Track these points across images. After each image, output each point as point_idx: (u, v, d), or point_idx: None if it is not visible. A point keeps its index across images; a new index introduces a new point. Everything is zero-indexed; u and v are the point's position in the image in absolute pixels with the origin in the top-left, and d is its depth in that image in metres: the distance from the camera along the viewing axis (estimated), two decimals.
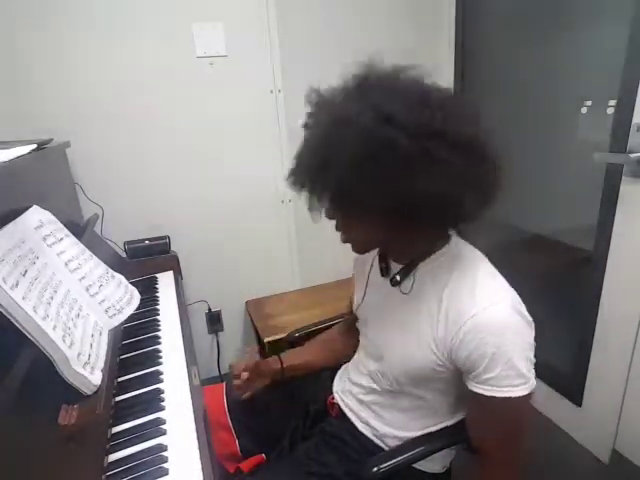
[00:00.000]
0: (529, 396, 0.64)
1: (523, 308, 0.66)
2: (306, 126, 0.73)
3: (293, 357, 0.99)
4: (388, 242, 0.74)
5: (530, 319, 0.66)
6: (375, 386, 0.82)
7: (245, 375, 0.89)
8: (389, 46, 1.75)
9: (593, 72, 1.33)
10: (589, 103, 1.33)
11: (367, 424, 0.84)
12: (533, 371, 0.65)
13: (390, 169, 0.57)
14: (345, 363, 0.97)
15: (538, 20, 1.49)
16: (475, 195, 0.61)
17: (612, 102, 1.21)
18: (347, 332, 1.00)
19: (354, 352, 0.93)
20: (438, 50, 1.84)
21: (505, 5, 1.63)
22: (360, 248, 0.74)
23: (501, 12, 1.65)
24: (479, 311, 0.63)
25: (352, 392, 0.88)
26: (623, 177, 1.17)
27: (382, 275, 0.80)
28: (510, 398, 0.63)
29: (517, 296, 0.67)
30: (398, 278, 0.74)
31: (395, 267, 0.76)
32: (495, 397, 0.64)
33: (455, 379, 0.72)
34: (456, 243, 0.73)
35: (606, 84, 1.24)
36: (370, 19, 1.73)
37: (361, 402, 0.86)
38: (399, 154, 0.56)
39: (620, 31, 1.14)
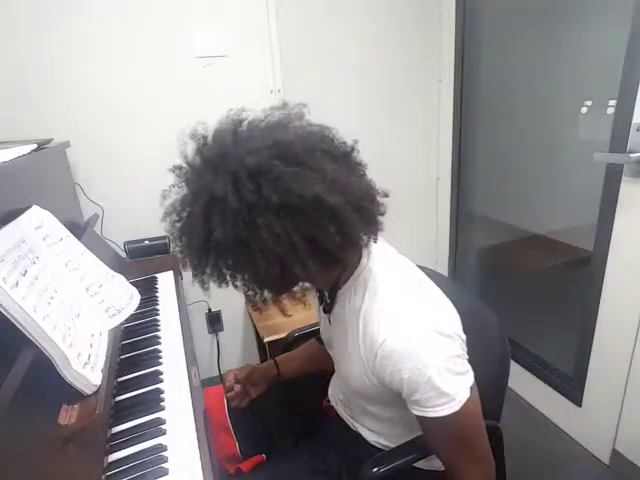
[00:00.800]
0: (463, 411, 0.62)
1: (443, 324, 0.63)
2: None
3: (288, 363, 1.00)
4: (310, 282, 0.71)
5: (449, 332, 0.63)
6: (350, 396, 0.83)
7: (237, 387, 0.91)
8: (389, 46, 1.77)
9: (593, 72, 1.33)
10: (589, 103, 1.33)
11: (362, 425, 0.84)
12: (464, 383, 0.63)
13: (222, 221, 0.54)
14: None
15: (538, 20, 1.49)
16: (354, 224, 0.57)
17: (612, 102, 1.21)
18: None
19: None
20: (438, 50, 1.84)
21: (505, 5, 1.63)
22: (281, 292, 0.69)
23: (501, 12, 1.65)
24: (387, 338, 0.62)
25: (340, 399, 0.89)
26: (623, 177, 1.18)
27: (320, 304, 0.82)
28: (438, 417, 0.62)
29: (435, 310, 0.65)
30: (327, 307, 0.76)
31: (325, 295, 0.77)
32: (427, 417, 0.63)
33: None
34: (368, 263, 0.69)
35: (606, 84, 1.24)
36: (370, 19, 1.73)
37: (348, 410, 0.87)
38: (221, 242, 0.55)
39: (620, 31, 1.14)
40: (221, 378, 1.87)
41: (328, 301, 0.75)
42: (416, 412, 0.65)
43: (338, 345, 0.77)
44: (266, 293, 0.67)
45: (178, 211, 0.65)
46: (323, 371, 0.96)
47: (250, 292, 0.67)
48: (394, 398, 0.69)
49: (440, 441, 0.69)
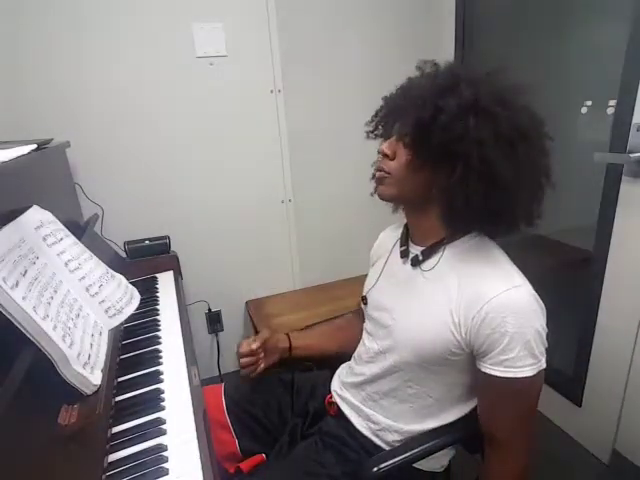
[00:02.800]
0: (539, 376, 0.68)
1: (538, 297, 0.69)
2: (414, 78, 0.77)
3: (302, 339, 1.01)
4: (418, 203, 0.75)
5: (544, 307, 0.69)
6: (377, 370, 0.82)
7: (255, 345, 0.91)
8: (389, 46, 1.77)
9: (593, 72, 1.33)
10: (589, 103, 1.33)
11: (367, 419, 0.84)
12: (545, 355, 0.69)
13: (483, 132, 0.63)
14: (347, 362, 0.97)
15: (538, 20, 1.49)
16: (522, 203, 0.68)
17: (612, 102, 1.21)
18: (361, 320, 1.01)
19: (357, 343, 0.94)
20: (438, 50, 1.84)
21: (505, 5, 1.63)
22: (388, 189, 0.75)
23: (501, 12, 1.65)
24: (502, 292, 0.66)
25: (354, 384, 0.88)
26: (623, 177, 1.18)
27: (402, 257, 0.82)
28: (522, 378, 0.66)
29: (531, 287, 0.70)
30: (420, 257, 0.76)
31: (415, 251, 0.79)
32: (508, 378, 0.66)
33: (464, 369, 0.73)
34: (477, 235, 0.75)
35: (606, 84, 1.24)
36: (370, 19, 1.73)
37: (361, 392, 0.85)
38: (497, 127, 0.63)
39: (620, 31, 1.14)
40: (221, 378, 1.87)
41: (420, 257, 0.77)
42: (499, 373, 0.67)
43: (410, 302, 0.78)
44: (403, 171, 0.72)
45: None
46: (343, 351, 0.97)
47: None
48: (456, 366, 0.73)
49: (503, 406, 0.71)
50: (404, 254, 0.81)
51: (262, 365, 0.95)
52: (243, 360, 0.92)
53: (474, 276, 0.69)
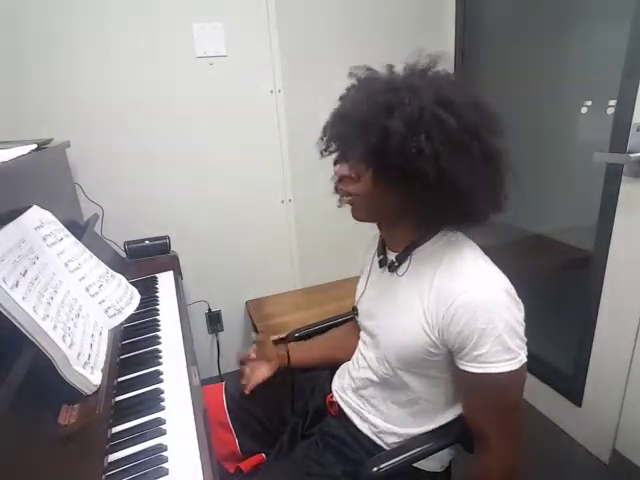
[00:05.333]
0: (519, 373, 0.66)
1: (513, 291, 0.68)
2: (350, 90, 0.79)
3: (300, 352, 1.01)
4: (391, 218, 0.74)
5: (520, 301, 0.69)
6: (374, 377, 0.83)
7: (254, 356, 0.94)
8: (389, 46, 1.76)
9: (593, 72, 1.33)
10: (589, 103, 1.33)
11: (367, 421, 0.84)
12: (525, 348, 0.68)
13: (436, 144, 0.61)
14: (345, 362, 0.97)
15: (538, 20, 1.49)
16: (486, 197, 0.67)
17: (612, 102, 1.21)
18: (357, 329, 1.01)
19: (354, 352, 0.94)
20: (438, 50, 1.84)
21: (505, 5, 1.63)
22: (360, 211, 0.74)
23: (501, 12, 1.65)
24: (470, 288, 0.65)
25: (352, 387, 0.88)
26: (623, 177, 1.18)
27: (380, 266, 0.83)
28: (499, 373, 0.65)
29: (507, 280, 0.69)
30: (396, 263, 0.77)
31: (391, 257, 0.79)
32: (484, 374, 0.65)
33: (446, 368, 0.73)
34: (447, 231, 0.75)
35: (606, 84, 1.24)
36: (370, 19, 1.73)
37: (360, 397, 0.86)
38: (448, 135, 0.62)
39: (620, 31, 1.14)
40: (221, 378, 1.87)
41: (395, 262, 0.77)
42: (474, 369, 0.66)
43: (390, 307, 0.78)
44: (366, 195, 0.71)
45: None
46: (342, 362, 0.97)
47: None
48: (440, 367, 0.73)
49: (484, 403, 0.71)
50: (382, 263, 0.82)
51: (263, 373, 0.95)
52: (243, 367, 0.95)
53: (443, 274, 0.69)
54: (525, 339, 0.68)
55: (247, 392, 0.94)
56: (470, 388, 0.72)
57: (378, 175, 0.67)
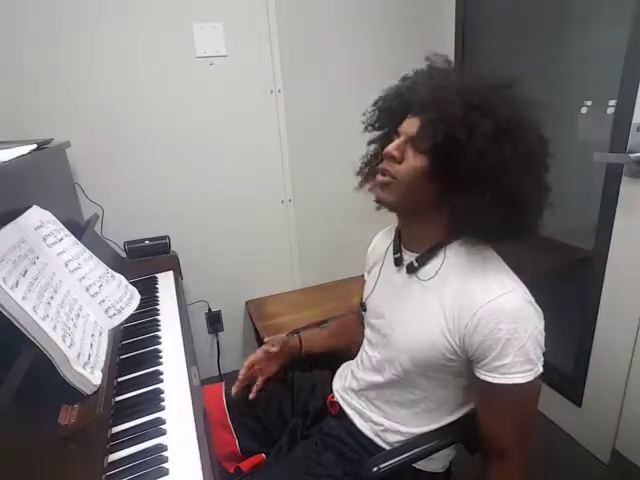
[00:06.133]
0: (535, 382, 0.66)
1: (533, 300, 0.68)
2: (418, 74, 0.78)
3: (313, 340, 1.02)
4: (422, 210, 0.72)
5: (540, 311, 0.69)
6: (380, 379, 0.81)
7: (274, 349, 0.94)
8: (389, 46, 1.76)
9: (593, 72, 1.33)
10: (589, 103, 1.33)
11: (369, 420, 0.84)
12: (542, 358, 0.68)
13: (518, 164, 0.63)
14: (347, 361, 0.97)
15: (538, 20, 1.49)
16: (534, 213, 0.68)
17: (612, 102, 1.21)
18: (358, 323, 1.01)
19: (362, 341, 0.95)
20: (438, 49, 1.83)
21: (505, 5, 1.63)
22: (393, 195, 0.71)
23: (501, 12, 1.65)
24: (494, 298, 0.65)
25: (354, 388, 0.88)
26: (623, 177, 1.17)
27: (396, 265, 0.80)
28: (516, 385, 0.64)
29: (527, 290, 0.69)
30: (416, 264, 0.75)
31: (408, 257, 0.77)
32: (504, 384, 0.65)
33: (461, 373, 0.73)
34: (469, 238, 0.73)
35: (606, 84, 1.24)
36: (370, 19, 1.73)
37: (363, 398, 0.86)
38: (527, 148, 0.63)
39: (620, 31, 1.14)
40: (221, 378, 1.87)
41: (415, 264, 0.75)
42: (493, 379, 0.66)
43: (405, 308, 0.77)
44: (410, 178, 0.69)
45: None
46: (348, 349, 0.98)
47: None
48: (454, 371, 0.72)
49: (502, 414, 0.70)
50: (398, 262, 0.80)
51: (266, 373, 0.96)
52: (243, 373, 0.93)
53: (467, 282, 0.68)
54: (544, 349, 0.68)
55: (253, 396, 0.93)
56: (488, 397, 0.71)
57: (436, 167, 0.66)
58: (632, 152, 1.12)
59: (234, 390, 0.93)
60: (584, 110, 1.35)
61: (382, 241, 0.90)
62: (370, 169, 0.77)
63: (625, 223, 1.20)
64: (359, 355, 0.92)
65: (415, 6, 1.77)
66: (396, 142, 0.70)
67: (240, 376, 0.94)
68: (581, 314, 1.38)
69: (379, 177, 0.72)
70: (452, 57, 1.81)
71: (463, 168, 0.63)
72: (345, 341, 1.02)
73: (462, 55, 1.77)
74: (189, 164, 1.64)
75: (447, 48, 1.81)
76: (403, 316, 0.77)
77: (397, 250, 0.81)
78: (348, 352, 0.99)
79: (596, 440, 1.41)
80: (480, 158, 0.61)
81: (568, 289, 1.52)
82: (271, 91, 1.66)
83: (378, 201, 0.73)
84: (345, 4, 1.68)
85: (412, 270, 0.76)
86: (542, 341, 0.67)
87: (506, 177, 0.62)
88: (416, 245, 0.76)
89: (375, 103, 0.76)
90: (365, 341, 0.90)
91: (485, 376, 0.67)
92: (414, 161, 0.67)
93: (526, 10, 1.53)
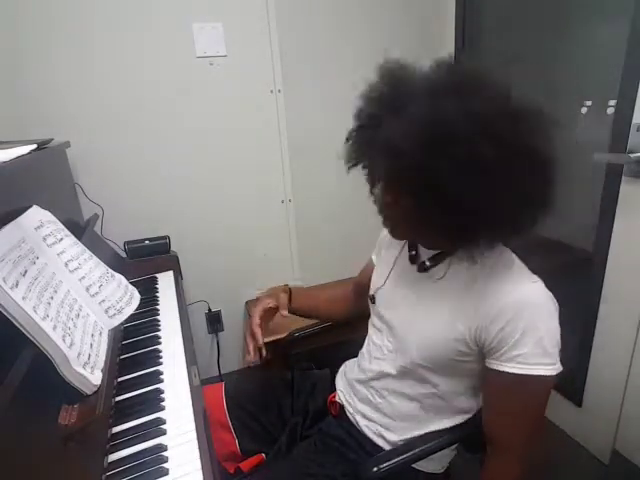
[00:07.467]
0: (552, 379, 0.66)
1: (553, 297, 0.68)
2: (379, 99, 0.68)
3: (302, 299, 1.02)
4: (428, 236, 0.74)
5: (558, 308, 0.67)
6: (389, 369, 0.80)
7: (285, 313, 0.94)
8: (389, 46, 1.76)
9: (593, 72, 1.33)
10: (589, 103, 1.33)
11: (371, 419, 0.84)
12: (559, 357, 0.66)
13: (471, 177, 0.57)
14: (347, 358, 0.97)
15: (538, 20, 1.49)
16: (531, 213, 0.63)
17: (612, 102, 1.21)
18: (358, 296, 1.02)
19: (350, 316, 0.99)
20: (438, 49, 1.84)
21: (505, 5, 1.63)
22: (399, 234, 0.75)
23: (501, 12, 1.65)
24: (517, 287, 0.65)
25: (362, 380, 0.87)
26: (623, 177, 1.17)
27: (411, 262, 0.80)
28: (537, 376, 0.64)
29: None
30: (427, 264, 0.75)
31: (424, 253, 0.78)
32: (522, 375, 0.64)
33: (473, 371, 0.73)
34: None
35: (606, 84, 1.24)
36: (370, 19, 1.73)
37: (371, 389, 0.84)
38: (483, 164, 0.56)
39: (620, 31, 1.14)
40: (221, 378, 1.87)
41: (427, 263, 0.74)
42: (512, 369, 0.64)
43: (420, 302, 0.77)
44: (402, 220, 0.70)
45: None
46: (330, 317, 1.03)
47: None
48: (466, 367, 0.72)
49: (513, 409, 0.69)
50: (413, 260, 0.80)
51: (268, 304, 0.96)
52: (249, 341, 0.91)
53: (489, 276, 0.68)
54: (560, 346, 0.67)
55: (252, 356, 0.90)
56: (499, 390, 0.69)
57: (424, 204, 0.63)
58: (632, 152, 1.12)
59: (253, 357, 0.90)
60: (584, 110, 1.35)
61: None
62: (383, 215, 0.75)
63: (625, 223, 1.20)
64: (366, 346, 0.91)
65: (416, 6, 1.78)
66: (381, 185, 0.68)
67: (259, 342, 0.91)
68: (581, 314, 1.38)
69: (384, 224, 0.73)
70: (452, 58, 1.81)
71: (447, 201, 0.59)
72: (334, 310, 1.04)
73: (462, 55, 1.76)
74: (189, 164, 1.64)
75: (447, 48, 1.81)
76: (416, 311, 0.77)
77: (412, 247, 0.81)
78: (331, 320, 1.03)
79: (596, 440, 1.41)
80: (451, 193, 0.58)
81: (568, 289, 1.52)
82: (271, 91, 1.66)
83: (392, 236, 0.76)
84: (345, 4, 1.68)
85: (423, 269, 0.75)
86: (559, 340, 0.66)
87: (486, 202, 0.58)
88: (430, 247, 0.76)
89: (347, 139, 0.72)
90: (373, 330, 0.89)
91: (501, 366, 0.66)
92: (405, 201, 0.65)
93: (526, 10, 1.53)
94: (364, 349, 0.91)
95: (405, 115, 0.60)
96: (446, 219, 0.62)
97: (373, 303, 0.88)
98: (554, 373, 0.65)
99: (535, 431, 0.71)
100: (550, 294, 0.67)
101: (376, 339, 0.86)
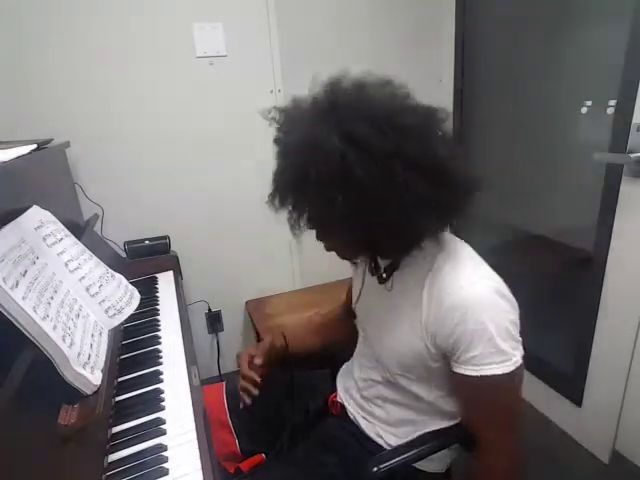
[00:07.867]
0: (515, 374, 0.64)
1: (506, 291, 0.67)
2: (278, 142, 0.76)
3: (297, 342, 1.01)
4: (370, 251, 0.75)
5: (513, 301, 0.67)
6: (378, 378, 0.82)
7: (259, 361, 0.89)
8: (388, 46, 1.77)
9: (593, 72, 1.33)
10: (589, 103, 1.33)
11: (370, 421, 0.84)
12: (520, 349, 0.66)
13: (350, 192, 0.59)
14: (345, 358, 0.97)
15: (538, 20, 1.49)
16: (434, 215, 0.62)
17: (612, 102, 1.21)
18: (344, 319, 1.02)
19: (349, 338, 0.96)
20: (438, 49, 1.84)
21: (505, 5, 1.63)
22: (345, 256, 0.77)
23: (501, 12, 1.65)
24: (458, 288, 0.64)
25: (356, 387, 0.88)
26: (623, 177, 1.18)
27: (372, 274, 0.81)
28: (493, 376, 0.63)
29: (500, 280, 0.68)
30: (384, 276, 0.76)
31: (383, 264, 0.78)
32: (478, 376, 0.64)
33: (448, 372, 0.72)
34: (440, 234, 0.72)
35: (606, 84, 1.24)
36: (370, 19, 1.73)
37: (364, 397, 0.86)
38: (359, 179, 0.57)
39: (620, 31, 1.14)
40: (221, 378, 1.87)
41: (384, 274, 0.76)
42: (469, 371, 0.65)
43: (385, 313, 0.78)
44: (335, 245, 0.73)
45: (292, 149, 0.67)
46: (332, 347, 1.00)
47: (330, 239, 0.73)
48: (441, 373, 0.71)
49: (481, 406, 0.70)
50: (373, 271, 0.81)
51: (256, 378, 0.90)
52: (243, 384, 0.88)
53: (434, 278, 0.68)
54: (520, 339, 0.66)
55: (250, 398, 0.88)
56: (466, 391, 0.71)
57: (330, 234, 0.70)
58: (632, 152, 1.12)
59: (247, 403, 0.88)
60: (584, 110, 1.35)
61: None
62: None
63: (625, 223, 1.20)
64: (357, 353, 0.92)
65: (415, 6, 1.77)
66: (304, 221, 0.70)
67: (253, 391, 0.88)
68: (581, 314, 1.38)
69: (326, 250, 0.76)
70: (452, 58, 1.81)
71: (333, 221, 0.63)
72: (331, 337, 1.03)
73: (462, 55, 1.77)
74: (189, 164, 1.63)
75: (447, 48, 1.81)
76: (382, 322, 0.78)
77: (372, 259, 0.81)
78: (337, 347, 1.00)
79: (596, 440, 1.41)
80: (347, 206, 0.60)
81: (568, 289, 1.52)
82: (271, 91, 1.66)
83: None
84: (345, 4, 1.68)
85: (382, 281, 0.77)
86: (515, 332, 0.65)
87: (369, 214, 0.60)
88: (385, 256, 0.77)
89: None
90: (360, 339, 0.91)
91: (459, 369, 0.66)
92: (327, 229, 0.70)
93: (526, 10, 1.53)
94: (357, 352, 0.93)
95: (289, 147, 0.67)
96: (351, 236, 0.66)
97: (354, 317, 0.91)
98: (512, 368, 0.64)
99: (512, 420, 0.71)
100: (498, 288, 0.65)
101: (363, 348, 0.89)
